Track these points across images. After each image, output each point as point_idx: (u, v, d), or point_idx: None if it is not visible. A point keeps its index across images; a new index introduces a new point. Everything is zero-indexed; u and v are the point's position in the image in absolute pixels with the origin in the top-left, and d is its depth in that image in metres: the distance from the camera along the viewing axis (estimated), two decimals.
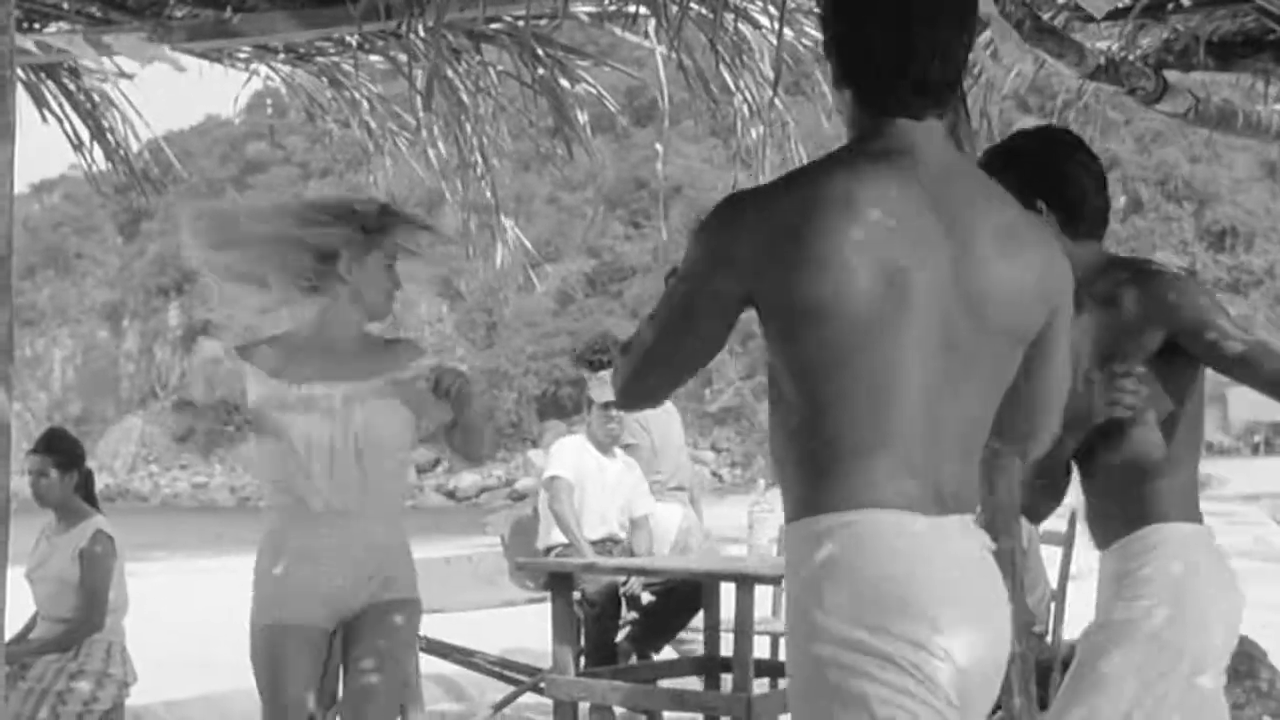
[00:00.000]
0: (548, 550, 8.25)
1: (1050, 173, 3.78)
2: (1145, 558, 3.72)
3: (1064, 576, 7.34)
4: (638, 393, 2.89)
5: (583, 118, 6.62)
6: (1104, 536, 3.86)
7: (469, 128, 6.74)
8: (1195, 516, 3.80)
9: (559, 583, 7.38)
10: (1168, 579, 3.69)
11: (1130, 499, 3.76)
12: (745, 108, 6.63)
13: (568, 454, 8.31)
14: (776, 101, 6.47)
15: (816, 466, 2.65)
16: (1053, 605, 7.35)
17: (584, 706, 7.51)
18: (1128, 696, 3.66)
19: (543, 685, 7.34)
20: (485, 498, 74.88)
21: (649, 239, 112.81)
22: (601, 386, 8.48)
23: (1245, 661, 8.33)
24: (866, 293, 2.59)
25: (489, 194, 6.85)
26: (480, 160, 6.78)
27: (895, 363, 2.62)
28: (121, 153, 6.91)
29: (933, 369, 2.65)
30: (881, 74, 2.73)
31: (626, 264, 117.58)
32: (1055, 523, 7.45)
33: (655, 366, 2.81)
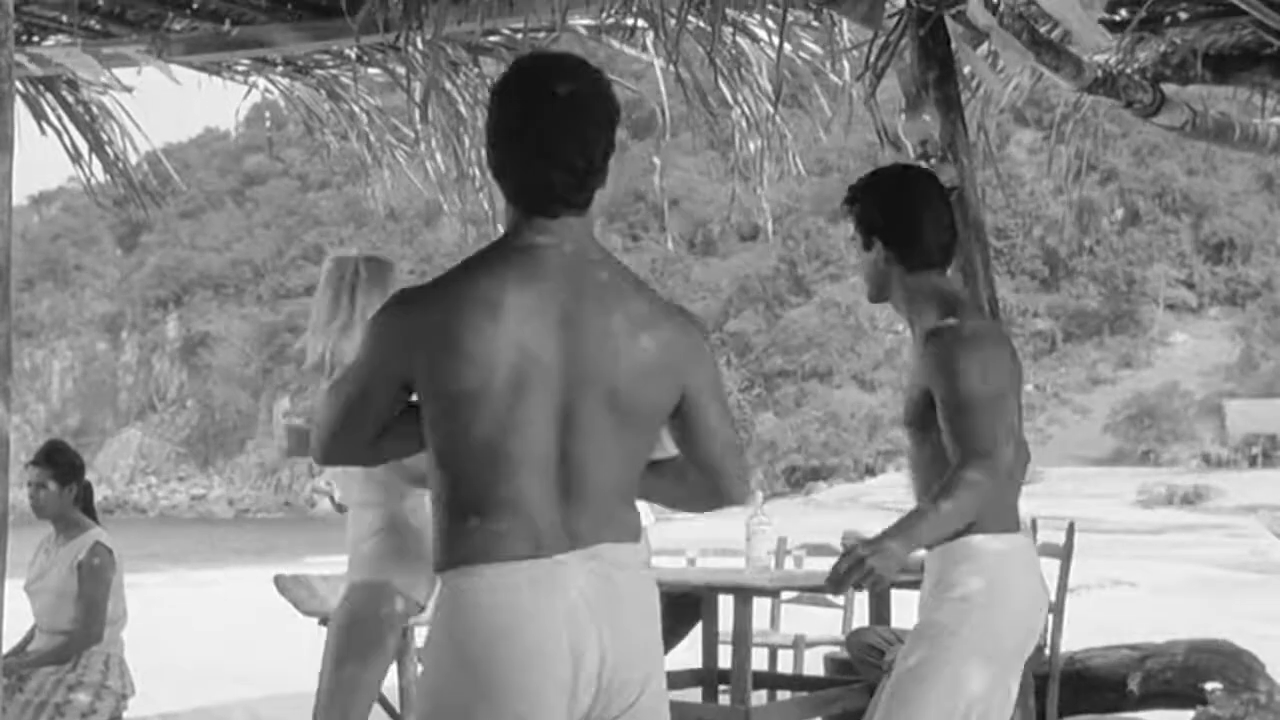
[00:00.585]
0: None
1: (889, 209, 4.24)
2: (957, 568, 4.05)
3: (1062, 589, 7.35)
4: (334, 453, 3.24)
5: None
6: None
7: (467, 140, 6.76)
8: (1010, 527, 4.13)
9: None
10: (972, 590, 4.02)
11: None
12: (743, 121, 6.65)
13: None
14: (775, 115, 6.49)
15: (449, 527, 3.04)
16: (1050, 618, 7.36)
17: None
18: (935, 696, 3.97)
19: None
20: None
21: (648, 251, 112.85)
22: None
23: (1244, 674, 8.34)
24: (495, 380, 2.94)
25: (487, 206, 6.86)
26: (478, 172, 6.79)
27: (517, 440, 2.96)
28: (120, 165, 6.92)
29: (554, 443, 2.98)
30: (525, 177, 3.06)
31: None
32: (1053, 535, 7.49)
33: (341, 433, 3.16)
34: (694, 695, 8.01)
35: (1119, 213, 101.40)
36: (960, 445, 3.97)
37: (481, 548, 2.95)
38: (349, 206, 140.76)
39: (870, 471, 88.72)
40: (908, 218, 4.23)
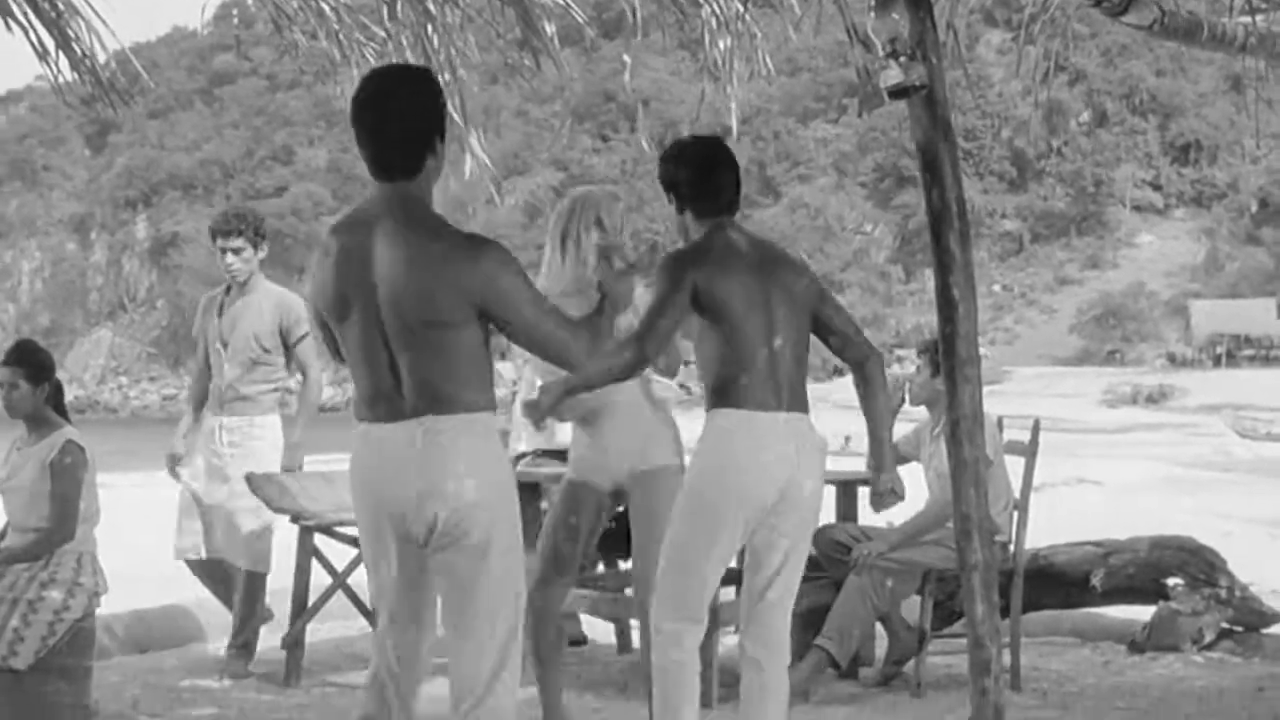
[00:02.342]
0: (517, 458, 8.31)
1: (678, 172, 5.25)
2: (703, 433, 5.10)
3: (1026, 486, 7.42)
4: None
5: (550, 29, 6.62)
6: None
7: (436, 39, 6.73)
8: (738, 405, 5.06)
9: (526, 492, 7.40)
10: (704, 449, 5.10)
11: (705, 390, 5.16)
12: (713, 20, 6.63)
13: None
14: (744, 14, 6.47)
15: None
16: (1015, 514, 7.44)
17: None
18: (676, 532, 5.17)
19: None
20: None
21: (617, 152, 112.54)
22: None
23: (1205, 569, 8.45)
24: (338, 303, 4.20)
25: (456, 106, 6.84)
26: (448, 71, 6.77)
27: (361, 346, 4.18)
28: (88, 63, 6.85)
29: (385, 349, 4.14)
30: (364, 155, 4.20)
31: (595, 177, 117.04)
32: (1019, 433, 7.56)
33: None
34: None
35: (1087, 114, 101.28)
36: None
37: (359, 415, 4.23)
38: (318, 106, 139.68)
39: (839, 371, 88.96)
40: (691, 180, 5.27)
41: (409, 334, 4.08)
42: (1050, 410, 50.98)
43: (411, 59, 6.73)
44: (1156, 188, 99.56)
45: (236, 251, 7.84)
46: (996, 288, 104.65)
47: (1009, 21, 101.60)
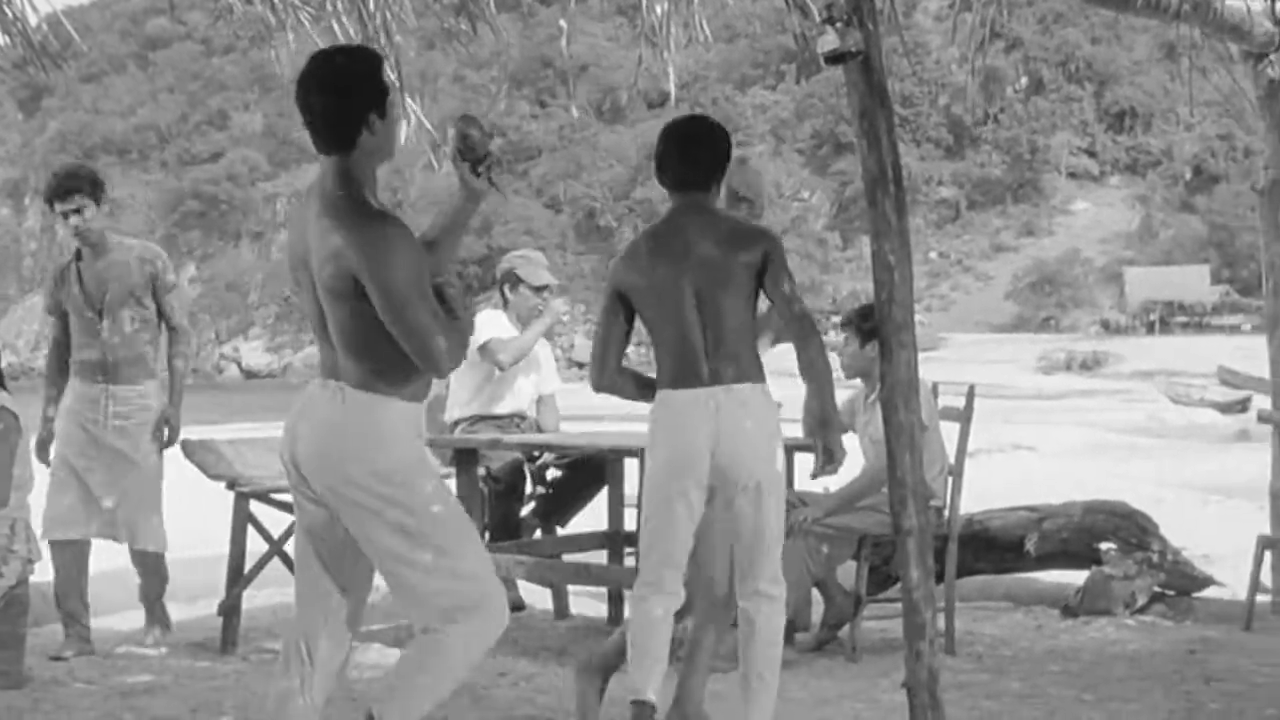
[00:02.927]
0: (454, 424, 8.31)
1: (656, 149, 5.48)
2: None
3: (961, 451, 7.46)
4: None
5: None
6: None
7: (373, 3, 6.69)
8: (677, 385, 5.27)
9: (464, 459, 7.43)
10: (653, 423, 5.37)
11: None
12: None
13: (493, 323, 8.31)
14: None
15: None
16: (950, 480, 7.48)
17: None
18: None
19: None
20: None
21: (555, 118, 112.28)
22: (535, 269, 8.52)
23: (1137, 534, 8.53)
24: (291, 270, 4.42)
25: (393, 71, 6.79)
26: (384, 36, 6.73)
27: (309, 313, 4.36)
28: (19, 26, 6.77)
29: (320, 316, 4.30)
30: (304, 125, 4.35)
31: (533, 143, 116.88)
32: (954, 399, 7.60)
33: None
34: (600, 557, 8.12)
35: (1023, 81, 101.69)
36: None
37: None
38: (254, 71, 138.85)
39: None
40: (665, 158, 5.48)
41: (326, 300, 4.24)
42: (985, 376, 51.17)
43: (348, 24, 6.69)
44: (1092, 155, 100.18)
45: (79, 211, 7.38)
46: (933, 254, 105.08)
47: None
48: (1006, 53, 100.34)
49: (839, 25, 5.09)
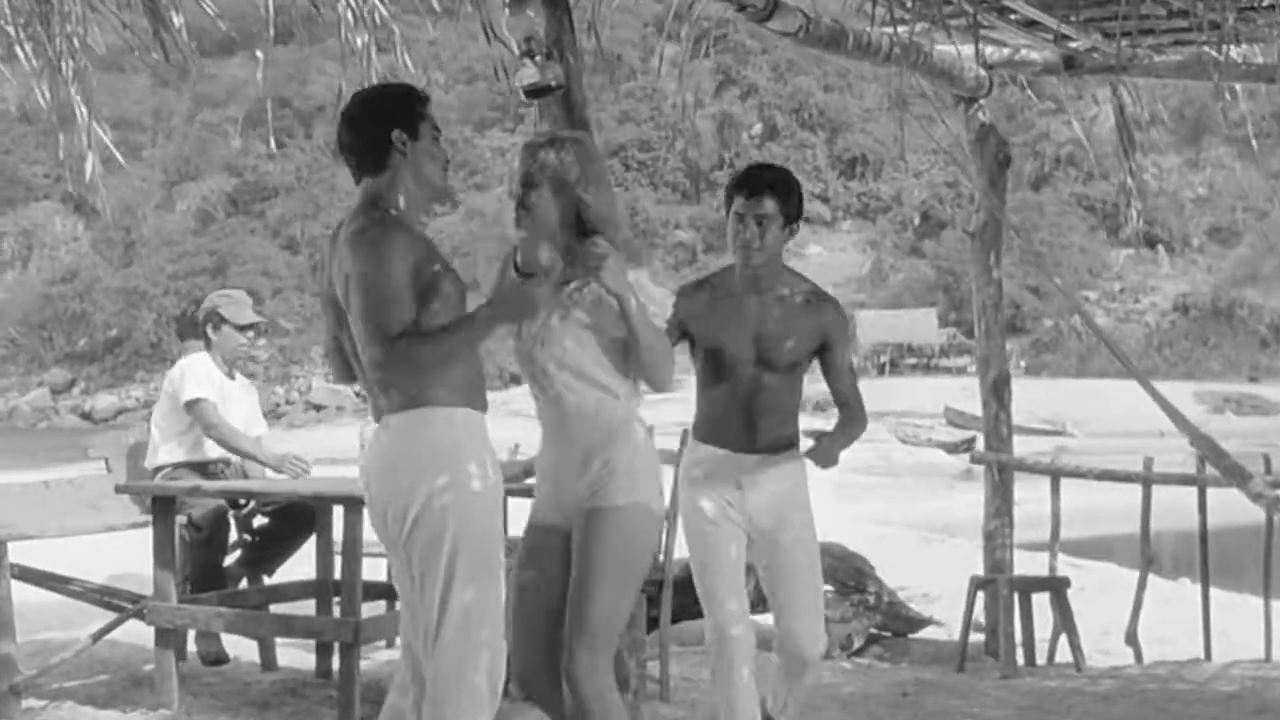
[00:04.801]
0: (155, 471, 7.98)
1: (801, 199, 5.49)
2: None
3: (675, 496, 7.34)
4: None
5: (179, 21, 6.29)
6: None
7: (56, 26, 6.36)
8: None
9: (161, 506, 7.09)
10: None
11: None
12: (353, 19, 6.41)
13: (202, 373, 8.05)
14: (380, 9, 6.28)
15: None
16: (665, 524, 7.35)
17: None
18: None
19: (145, 612, 7.05)
20: (123, 419, 72.83)
21: (292, 159, 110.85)
22: (239, 308, 8.25)
23: (854, 576, 8.53)
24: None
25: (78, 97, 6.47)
26: (69, 60, 6.40)
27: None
28: None
29: (351, 345, 4.48)
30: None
31: (270, 183, 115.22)
32: (668, 440, 7.48)
33: None
34: (308, 608, 7.82)
35: (758, 127, 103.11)
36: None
37: None
38: None
39: (516, 380, 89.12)
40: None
41: (355, 331, 4.39)
42: None
43: (30, 49, 6.35)
44: (825, 200, 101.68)
45: None
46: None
47: (684, 35, 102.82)
48: (742, 99, 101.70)
49: (539, 59, 4.97)
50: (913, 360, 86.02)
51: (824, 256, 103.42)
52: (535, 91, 4.94)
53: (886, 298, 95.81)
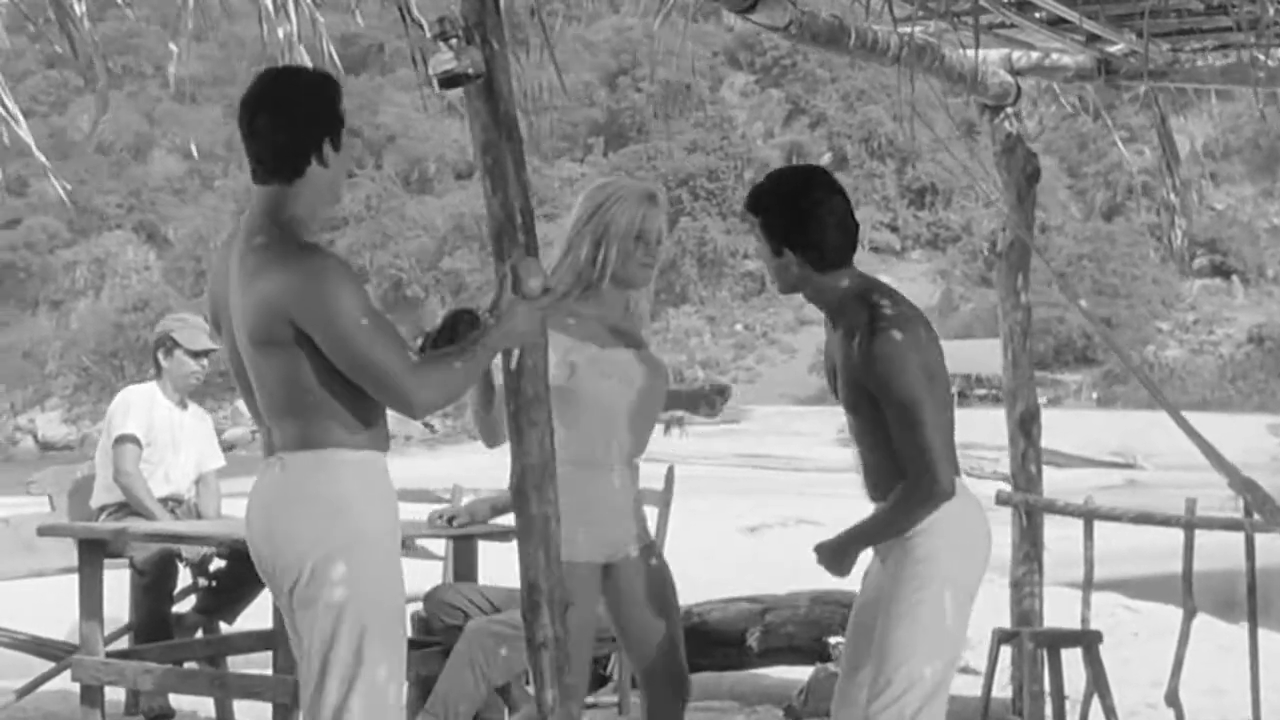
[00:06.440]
0: (100, 510, 7.38)
1: (795, 217, 4.49)
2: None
3: (660, 537, 6.70)
4: None
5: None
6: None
7: None
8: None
9: (89, 550, 6.45)
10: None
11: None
12: None
13: (139, 407, 7.46)
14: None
15: None
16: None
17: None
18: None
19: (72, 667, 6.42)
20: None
21: (362, 187, 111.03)
22: (193, 333, 7.65)
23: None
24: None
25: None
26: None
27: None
28: None
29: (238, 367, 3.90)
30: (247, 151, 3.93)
31: (339, 213, 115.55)
32: (653, 481, 6.83)
33: None
34: (266, 660, 7.18)
35: (827, 157, 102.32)
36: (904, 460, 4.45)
37: None
38: (53, 136, 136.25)
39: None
40: (814, 224, 4.48)
41: (251, 356, 3.82)
42: (785, 449, 51.19)
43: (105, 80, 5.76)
44: (894, 229, 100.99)
45: None
46: (739, 327, 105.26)
47: (752, 65, 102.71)
48: (811, 129, 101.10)
49: (454, 42, 4.28)
50: (982, 391, 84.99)
51: (894, 286, 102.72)
52: (449, 81, 4.24)
53: (957, 327, 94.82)
